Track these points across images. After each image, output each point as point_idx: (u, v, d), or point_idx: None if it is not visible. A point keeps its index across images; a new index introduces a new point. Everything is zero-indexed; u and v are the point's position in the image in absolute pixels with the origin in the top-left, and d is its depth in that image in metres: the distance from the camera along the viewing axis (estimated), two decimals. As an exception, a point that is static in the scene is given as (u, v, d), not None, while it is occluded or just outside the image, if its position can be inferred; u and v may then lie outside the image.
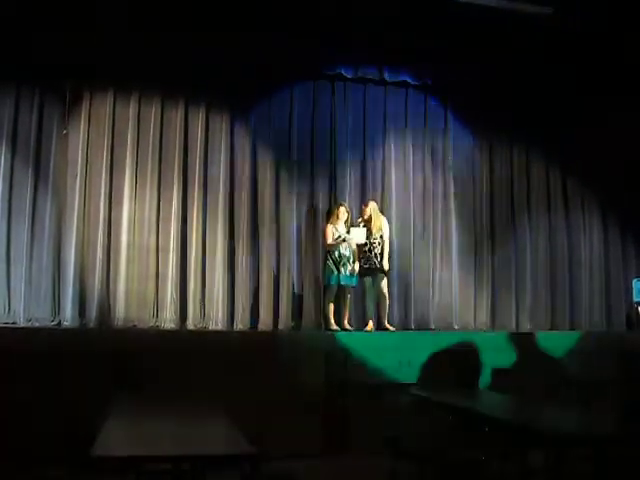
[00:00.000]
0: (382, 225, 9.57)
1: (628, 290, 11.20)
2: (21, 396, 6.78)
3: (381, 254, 9.40)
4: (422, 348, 8.41)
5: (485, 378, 8.42)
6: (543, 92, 10.75)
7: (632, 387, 8.66)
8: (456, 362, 8.46)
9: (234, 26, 9.38)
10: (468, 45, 9.94)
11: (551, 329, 10.86)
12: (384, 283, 9.45)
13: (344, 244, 9.25)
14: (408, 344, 8.54)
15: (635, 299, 10.84)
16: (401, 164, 10.75)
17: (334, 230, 9.34)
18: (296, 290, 9.97)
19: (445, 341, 8.66)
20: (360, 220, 9.64)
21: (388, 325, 9.38)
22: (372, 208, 9.65)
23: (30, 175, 9.11)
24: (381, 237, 9.48)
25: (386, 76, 10.42)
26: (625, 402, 8.47)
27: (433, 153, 10.95)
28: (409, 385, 7.89)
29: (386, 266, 9.46)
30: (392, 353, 8.28)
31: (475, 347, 8.69)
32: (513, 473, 5.57)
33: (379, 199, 10.20)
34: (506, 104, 10.89)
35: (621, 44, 9.90)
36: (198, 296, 9.52)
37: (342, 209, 9.46)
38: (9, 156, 9.08)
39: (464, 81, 10.41)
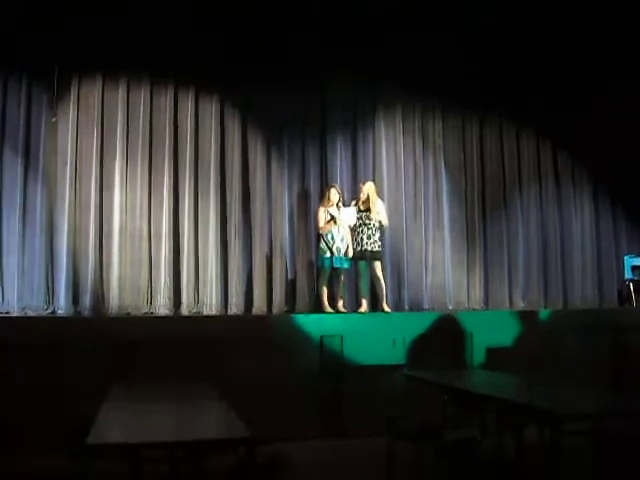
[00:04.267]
0: (379, 207, 9.50)
1: (620, 266, 11.25)
2: (16, 385, 6.80)
3: (375, 235, 9.37)
4: (415, 328, 8.45)
5: (479, 357, 8.47)
6: (532, 67, 10.73)
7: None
8: (445, 341, 8.50)
9: (223, 10, 9.32)
10: (458, 22, 9.94)
11: (545, 307, 10.90)
12: (378, 266, 9.42)
13: (336, 226, 9.21)
14: (402, 324, 8.55)
15: (626, 276, 10.89)
16: (392, 144, 10.74)
17: (326, 212, 9.30)
18: (289, 273, 9.97)
19: (436, 320, 8.69)
20: (355, 201, 9.58)
21: (386, 307, 9.38)
22: (369, 188, 9.56)
23: (20, 164, 9.04)
24: (379, 222, 9.44)
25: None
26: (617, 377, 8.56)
27: (423, 133, 10.96)
28: (403, 366, 7.94)
29: (385, 220, 9.53)
30: (386, 334, 8.30)
31: (461, 325, 8.72)
32: (509, 451, 5.61)
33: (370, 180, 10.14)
34: (495, 80, 10.87)
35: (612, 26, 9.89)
36: (192, 282, 9.51)
37: (333, 191, 9.38)
38: (-2, 145, 9.02)
39: (453, 59, 10.36)
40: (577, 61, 10.63)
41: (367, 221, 9.39)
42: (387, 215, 9.77)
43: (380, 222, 9.45)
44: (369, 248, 9.35)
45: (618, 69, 10.60)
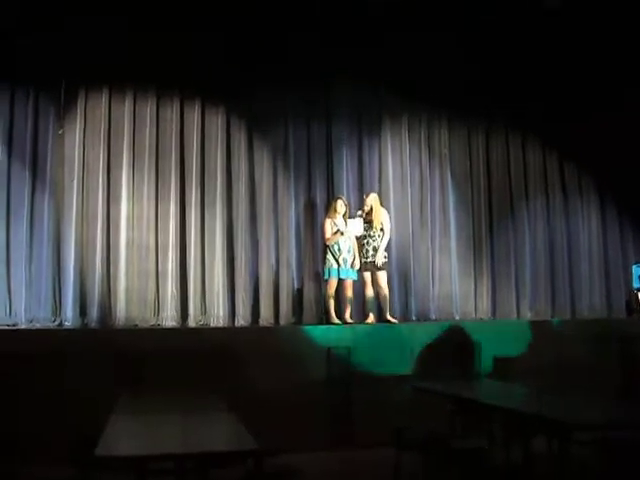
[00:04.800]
0: (383, 218, 9.52)
1: (627, 276, 11.21)
2: (24, 397, 6.81)
3: (380, 247, 9.37)
4: (423, 338, 8.44)
5: (487, 367, 8.45)
6: (539, 76, 10.73)
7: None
8: (452, 351, 8.49)
9: (228, 20, 9.36)
10: (464, 32, 9.95)
11: (552, 317, 10.87)
12: (384, 277, 9.42)
13: (343, 237, 9.22)
14: (409, 335, 8.55)
15: (635, 285, 10.85)
16: (398, 154, 10.74)
17: (332, 224, 9.30)
18: (296, 284, 9.94)
19: (443, 330, 8.69)
20: (361, 212, 9.57)
21: (390, 317, 9.37)
22: (373, 199, 9.60)
23: (27, 176, 9.05)
24: (381, 230, 9.44)
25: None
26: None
27: (429, 142, 10.96)
28: (411, 377, 7.93)
29: (379, 260, 9.37)
30: (394, 344, 8.30)
31: (469, 335, 8.70)
32: (516, 461, 5.59)
33: (376, 191, 10.14)
34: (501, 90, 10.89)
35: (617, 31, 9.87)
36: (198, 293, 9.50)
37: (340, 202, 9.40)
38: (5, 157, 9.01)
39: (460, 68, 10.38)
40: (584, 70, 10.62)
41: (372, 232, 9.40)
42: (393, 226, 9.78)
43: (382, 230, 9.44)
44: (375, 259, 9.34)
45: (626, 78, 10.58)
